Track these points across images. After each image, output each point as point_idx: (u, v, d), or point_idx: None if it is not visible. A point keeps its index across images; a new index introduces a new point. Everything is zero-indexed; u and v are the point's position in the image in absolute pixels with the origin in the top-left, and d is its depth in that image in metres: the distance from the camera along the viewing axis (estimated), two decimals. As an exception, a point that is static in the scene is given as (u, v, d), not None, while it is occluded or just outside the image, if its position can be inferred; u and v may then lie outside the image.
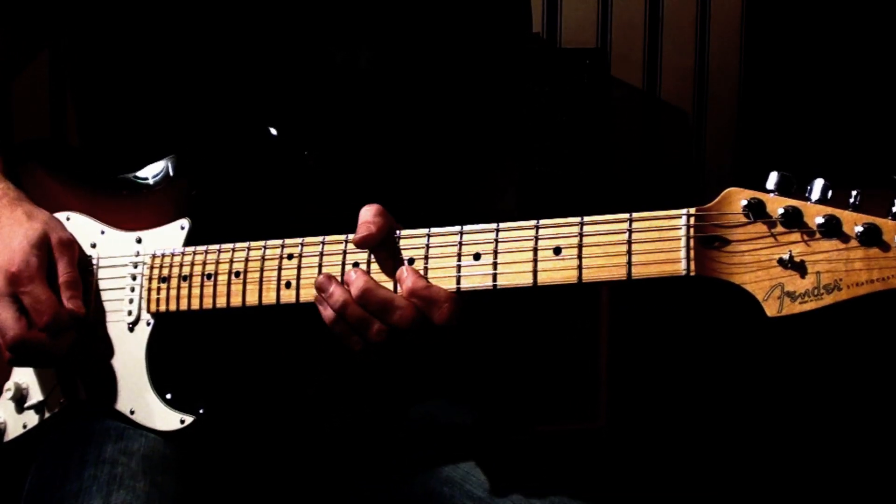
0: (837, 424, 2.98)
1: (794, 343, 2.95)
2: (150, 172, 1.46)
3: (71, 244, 1.42)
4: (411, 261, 1.23)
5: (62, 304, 1.37)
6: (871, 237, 0.96)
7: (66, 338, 1.38)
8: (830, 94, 3.18)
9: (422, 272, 1.22)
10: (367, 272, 1.24)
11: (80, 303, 1.39)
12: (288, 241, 1.31)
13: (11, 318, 1.35)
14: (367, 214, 1.23)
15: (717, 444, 3.10)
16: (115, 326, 1.43)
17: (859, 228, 0.96)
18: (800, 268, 1.00)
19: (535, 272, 1.15)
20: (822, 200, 1.00)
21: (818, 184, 1.00)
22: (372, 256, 1.25)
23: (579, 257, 1.12)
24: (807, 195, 1.01)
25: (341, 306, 1.22)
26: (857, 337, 2.91)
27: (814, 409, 3.01)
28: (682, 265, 1.06)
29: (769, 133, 3.25)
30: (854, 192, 0.97)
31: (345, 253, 1.26)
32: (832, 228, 0.98)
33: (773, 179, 1.02)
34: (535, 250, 1.15)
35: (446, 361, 1.57)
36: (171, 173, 1.44)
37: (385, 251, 1.24)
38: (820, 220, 0.98)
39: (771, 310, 1.02)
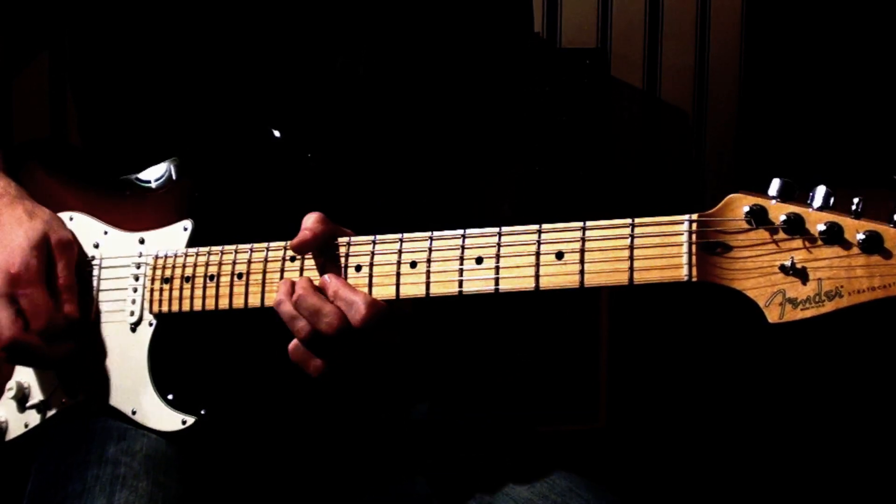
0: (836, 425, 2.98)
1: (793, 344, 2.96)
2: (153, 174, 1.46)
3: (70, 245, 1.42)
4: (358, 268, 1.26)
5: (59, 307, 1.38)
6: (872, 244, 0.96)
7: (63, 345, 1.39)
8: (830, 93, 3.18)
9: (365, 279, 1.24)
10: (311, 280, 1.27)
11: (76, 307, 1.40)
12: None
13: (8, 319, 1.35)
14: (308, 221, 1.27)
15: (716, 445, 3.10)
16: (117, 327, 1.43)
17: (861, 236, 0.96)
18: (801, 274, 1.00)
19: (537, 276, 1.15)
20: (824, 207, 0.99)
21: (820, 191, 1.00)
22: (374, 259, 1.25)
23: (581, 262, 1.12)
24: (809, 202, 1.00)
25: (277, 302, 1.26)
26: (856, 340, 2.91)
27: (813, 409, 3.02)
28: (684, 271, 1.06)
29: (769, 133, 3.25)
30: (856, 200, 0.97)
31: (347, 256, 1.26)
32: (834, 235, 0.98)
33: (774, 186, 1.02)
34: (538, 255, 1.15)
35: (445, 362, 1.58)
36: (175, 175, 1.44)
37: (324, 257, 1.27)
38: (822, 227, 0.98)
39: (772, 316, 1.01)
